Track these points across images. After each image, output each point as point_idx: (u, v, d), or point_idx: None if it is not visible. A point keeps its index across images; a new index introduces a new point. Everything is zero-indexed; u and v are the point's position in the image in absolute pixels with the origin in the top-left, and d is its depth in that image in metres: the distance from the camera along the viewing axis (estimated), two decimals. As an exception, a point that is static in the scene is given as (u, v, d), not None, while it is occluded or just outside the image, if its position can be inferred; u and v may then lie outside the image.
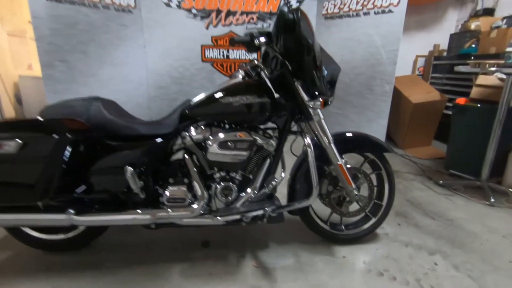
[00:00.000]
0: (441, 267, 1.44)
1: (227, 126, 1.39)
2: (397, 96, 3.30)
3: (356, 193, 1.47)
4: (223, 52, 3.64)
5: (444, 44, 4.13)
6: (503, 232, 1.75)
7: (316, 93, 1.35)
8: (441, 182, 2.41)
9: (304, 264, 1.44)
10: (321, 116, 1.41)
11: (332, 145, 1.43)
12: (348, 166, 1.53)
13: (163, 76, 3.59)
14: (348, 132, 1.57)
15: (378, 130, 3.35)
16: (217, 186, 1.37)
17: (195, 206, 1.34)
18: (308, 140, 1.38)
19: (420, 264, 1.46)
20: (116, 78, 3.34)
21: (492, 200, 2.11)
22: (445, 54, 4.01)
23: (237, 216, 1.34)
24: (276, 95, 1.47)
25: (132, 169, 1.26)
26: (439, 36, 4.32)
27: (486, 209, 2.04)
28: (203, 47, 3.60)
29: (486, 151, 2.27)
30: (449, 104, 3.11)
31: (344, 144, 1.53)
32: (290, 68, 1.34)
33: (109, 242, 1.56)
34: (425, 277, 1.37)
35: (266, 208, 1.35)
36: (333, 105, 3.95)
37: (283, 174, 1.54)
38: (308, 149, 1.37)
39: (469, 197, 2.19)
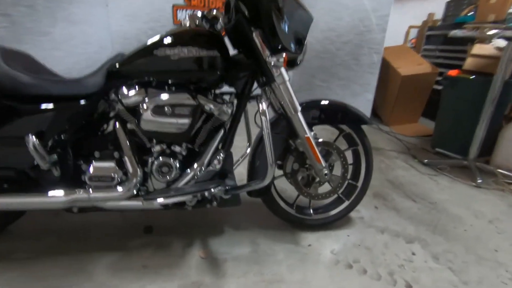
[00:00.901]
0: (419, 258, 1.25)
1: (173, 88, 1.09)
2: (385, 68, 3.03)
3: (326, 172, 1.24)
4: (197, 14, 3.24)
5: (439, 14, 3.83)
6: (489, 217, 1.58)
7: (279, 46, 1.07)
8: (425, 161, 2.22)
9: (262, 254, 1.22)
10: (286, 78, 1.13)
11: (299, 115, 1.17)
12: (320, 140, 1.29)
13: (130, 40, 3.19)
14: (321, 99, 1.31)
15: (363, 105, 3.11)
16: (154, 162, 1.11)
17: (123, 186, 1.08)
18: (263, 106, 1.11)
19: (396, 254, 1.27)
20: (75, 38, 2.92)
21: (479, 181, 1.93)
22: (440, 24, 3.71)
23: (176, 199, 1.09)
24: (234, 51, 1.19)
25: (35, 140, 0.98)
26: (434, 4, 4.00)
27: (472, 190, 1.87)
28: (175, 7, 3.19)
29: (476, 128, 2.06)
30: (440, 79, 2.87)
31: (315, 114, 1.28)
32: (246, 13, 1.05)
33: (29, 228, 1.30)
34: (400, 269, 1.18)
35: (212, 190, 1.10)
36: (318, 77, 3.69)
37: (249, 150, 1.30)
38: (263, 118, 1.11)
39: (455, 178, 2.00)
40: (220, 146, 1.19)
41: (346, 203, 1.40)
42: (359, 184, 1.39)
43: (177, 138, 1.10)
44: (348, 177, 1.37)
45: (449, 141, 2.35)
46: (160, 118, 1.05)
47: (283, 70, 1.12)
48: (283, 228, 1.39)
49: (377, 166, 2.14)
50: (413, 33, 4.19)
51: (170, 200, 1.08)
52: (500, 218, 1.57)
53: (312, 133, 1.22)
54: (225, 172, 1.23)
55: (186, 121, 1.06)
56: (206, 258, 1.18)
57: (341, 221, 1.43)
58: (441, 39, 3.42)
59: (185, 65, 1.04)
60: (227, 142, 1.20)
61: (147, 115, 1.05)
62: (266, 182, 1.15)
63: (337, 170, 1.33)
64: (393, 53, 3.12)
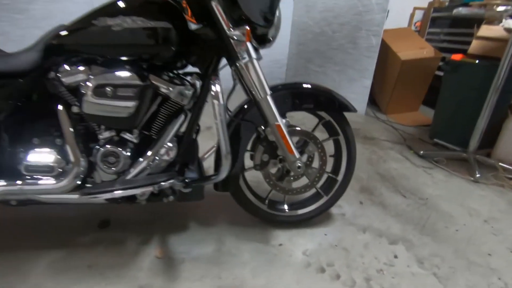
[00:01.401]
0: (401, 261, 1.12)
1: (124, 66, 0.94)
2: (385, 52, 2.82)
3: (300, 164, 1.09)
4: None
5: (447, -6, 3.55)
6: (484, 215, 1.44)
7: (240, 17, 0.91)
8: (421, 152, 2.06)
9: (226, 255, 1.10)
10: (253, 56, 0.97)
11: (269, 99, 1.02)
12: (298, 128, 1.14)
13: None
14: (298, 82, 1.15)
15: (360, 91, 2.93)
16: (99, 150, 0.97)
17: (62, 178, 0.95)
18: (215, 87, 0.96)
19: (376, 256, 1.14)
20: (55, 16, 2.76)
21: (478, 175, 1.78)
22: (447, 5, 3.45)
23: (120, 193, 0.95)
24: (196, 25, 1.03)
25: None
26: (442, -17, 3.71)
27: (469, 185, 1.71)
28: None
29: (478, 118, 1.89)
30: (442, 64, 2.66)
31: (290, 98, 1.12)
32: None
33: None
34: (378, 275, 1.05)
35: (163, 183, 0.96)
36: (314, 62, 3.49)
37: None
38: (214, 101, 0.96)
39: (452, 171, 1.85)
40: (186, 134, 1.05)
41: (325, 199, 1.26)
42: (340, 178, 1.25)
43: (124, 123, 0.96)
44: (327, 170, 1.23)
45: (448, 131, 2.18)
46: (102, 100, 0.91)
47: (249, 46, 0.96)
48: (255, 225, 1.26)
49: (368, 158, 1.99)
50: (419, 15, 3.92)
51: (113, 195, 0.95)
52: (497, 217, 1.43)
53: (285, 120, 1.06)
54: (186, 163, 1.10)
55: (131, 104, 0.92)
56: (162, 258, 1.06)
57: (319, 218, 1.30)
58: (447, 22, 3.18)
59: (129, 38, 0.89)
60: (189, 129, 1.07)
61: (88, 96, 0.91)
62: (221, 175, 1.02)
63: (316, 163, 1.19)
64: (394, 36, 2.90)
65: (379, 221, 1.35)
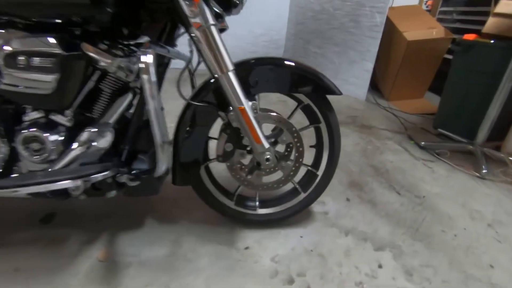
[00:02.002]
0: (386, 272, 0.96)
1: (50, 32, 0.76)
2: (389, 32, 2.57)
3: (269, 156, 0.91)
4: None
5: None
6: (488, 219, 1.25)
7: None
8: (423, 143, 1.86)
9: (180, 259, 0.95)
10: (209, 21, 0.78)
11: (231, 75, 0.83)
12: (273, 113, 0.96)
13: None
14: (271, 57, 0.96)
15: (361, 75, 2.70)
16: (20, 134, 0.81)
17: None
18: (146, 58, 0.76)
19: (357, 265, 0.98)
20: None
21: (484, 171, 1.58)
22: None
23: (42, 187, 0.79)
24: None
25: None
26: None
27: (474, 182, 1.52)
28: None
29: (490, 106, 1.67)
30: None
31: (261, 76, 0.93)
32: None
33: None
34: (356, 289, 0.89)
35: (93, 176, 0.80)
36: (313, 43, 3.23)
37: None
38: (144, 76, 0.77)
39: (455, 166, 1.66)
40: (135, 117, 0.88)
41: (302, 196, 1.09)
42: (320, 172, 1.07)
43: (47, 102, 0.79)
44: (305, 163, 1.05)
45: (454, 120, 1.97)
46: (15, 72, 0.73)
47: (205, 8, 0.77)
48: (222, 224, 1.10)
49: (363, 148, 1.80)
50: (431, -7, 3.60)
51: (30, 189, 0.78)
52: (503, 220, 1.25)
53: (251, 103, 0.88)
54: (136, 152, 0.93)
55: (51, 77, 0.74)
56: (105, 261, 0.92)
57: (296, 217, 1.14)
58: (461, 0, 2.89)
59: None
60: (138, 111, 0.89)
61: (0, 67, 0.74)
62: (160, 169, 0.85)
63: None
64: (401, 14, 2.63)
65: (365, 222, 1.17)
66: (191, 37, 0.82)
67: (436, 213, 1.26)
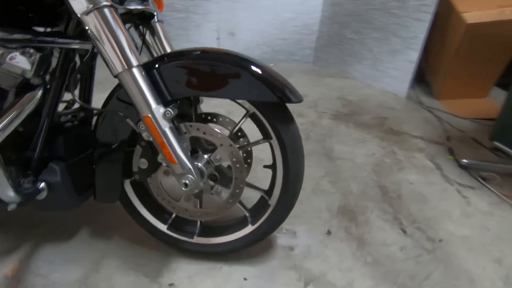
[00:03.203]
0: None
1: None
2: (443, 13, 2.03)
3: (188, 181, 0.70)
4: None
5: None
6: (538, 288, 0.85)
7: None
8: (464, 161, 1.41)
9: (91, 287, 0.81)
10: (103, 2, 0.59)
11: (135, 73, 0.64)
12: (207, 124, 0.75)
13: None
14: (199, 49, 0.72)
15: (403, 67, 2.23)
16: None
17: None
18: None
19: (301, 335, 0.72)
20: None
21: (550, 210, 1.12)
22: None
23: None
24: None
25: None
26: None
27: (528, 225, 1.08)
28: None
29: None
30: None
31: (182, 76, 0.71)
32: None
33: None
34: None
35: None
36: (350, 27, 2.76)
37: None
38: None
39: (504, 196, 1.21)
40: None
41: (250, 228, 0.85)
42: (272, 202, 0.82)
43: None
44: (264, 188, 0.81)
45: (518, 133, 1.46)
46: None
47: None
48: (158, 248, 0.93)
49: (378, 161, 1.44)
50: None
51: None
52: (561, 297, 0.83)
53: (164, 109, 0.67)
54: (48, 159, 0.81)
55: None
56: (11, 279, 0.83)
57: (252, 248, 0.91)
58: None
59: None
60: (48, 112, 0.77)
61: None
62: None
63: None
64: (464, -12, 2.06)
65: (340, 269, 0.89)
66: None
67: (450, 268, 0.90)
